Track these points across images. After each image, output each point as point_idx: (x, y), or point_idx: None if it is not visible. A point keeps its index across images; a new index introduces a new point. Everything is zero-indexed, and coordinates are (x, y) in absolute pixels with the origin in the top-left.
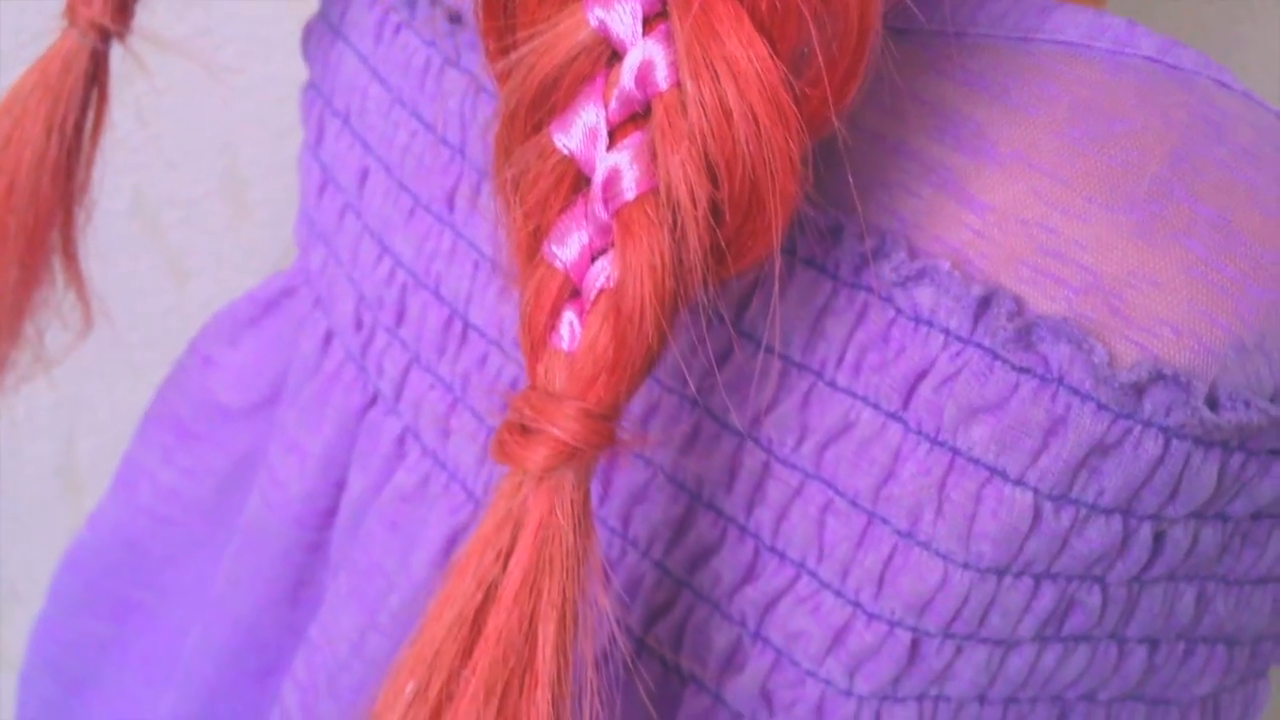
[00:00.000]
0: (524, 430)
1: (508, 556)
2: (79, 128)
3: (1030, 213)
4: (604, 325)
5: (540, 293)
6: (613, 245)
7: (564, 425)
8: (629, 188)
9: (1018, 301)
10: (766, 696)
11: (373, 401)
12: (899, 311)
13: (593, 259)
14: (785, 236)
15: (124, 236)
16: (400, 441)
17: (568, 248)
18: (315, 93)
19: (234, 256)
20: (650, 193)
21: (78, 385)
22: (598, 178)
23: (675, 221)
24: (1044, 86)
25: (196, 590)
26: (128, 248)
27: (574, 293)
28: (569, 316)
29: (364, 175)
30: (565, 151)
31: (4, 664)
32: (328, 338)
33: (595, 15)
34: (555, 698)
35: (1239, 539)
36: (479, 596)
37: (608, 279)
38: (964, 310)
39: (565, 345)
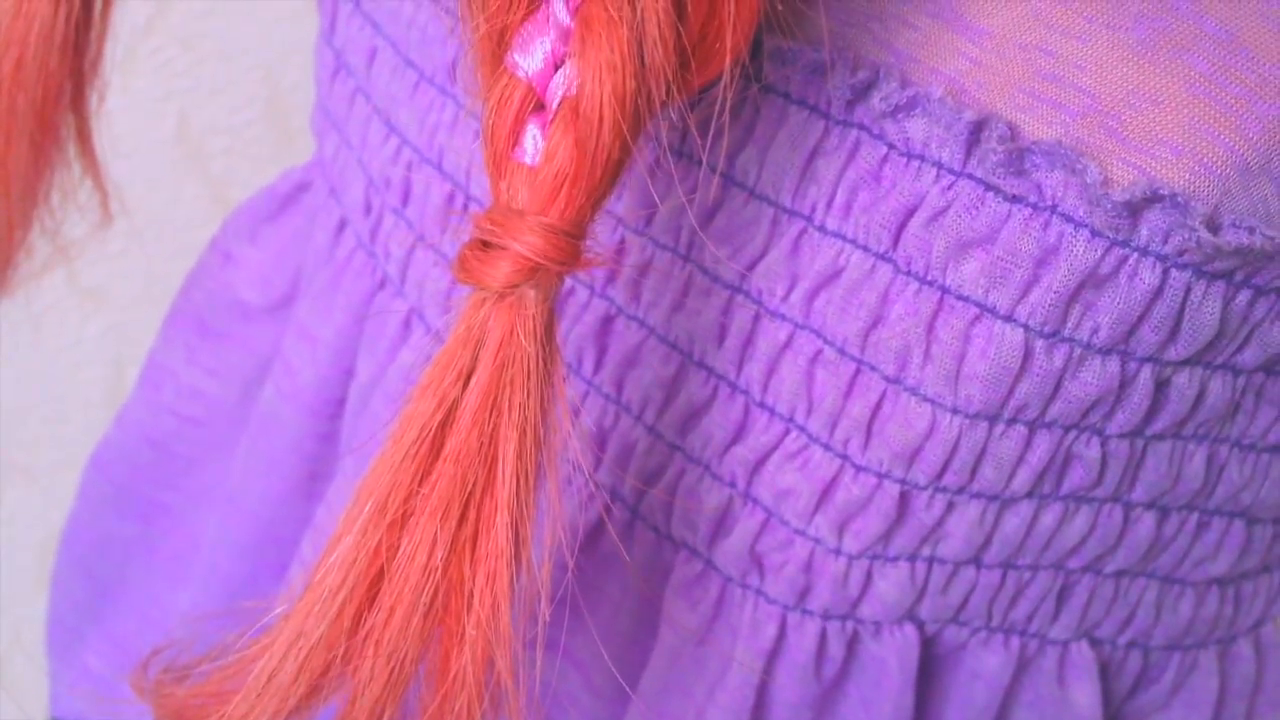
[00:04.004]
0: (486, 247)
1: (469, 376)
2: (88, 2)
3: (1029, 36)
4: (565, 134)
5: (503, 105)
6: (575, 50)
7: (526, 240)
8: None
9: (1012, 129)
10: (756, 559)
11: (381, 286)
12: (891, 147)
13: (556, 67)
14: (778, 76)
15: (168, 164)
16: (406, 324)
17: (531, 56)
18: None
19: None
20: None
21: (126, 313)
22: None
23: (636, 18)
24: None
25: (222, 492)
26: (172, 176)
27: (538, 105)
28: (532, 130)
29: (372, 55)
30: None
31: None
32: (341, 226)
33: None
34: (514, 520)
35: (1253, 396)
36: (439, 416)
37: (570, 86)
38: (956, 140)
39: (528, 160)
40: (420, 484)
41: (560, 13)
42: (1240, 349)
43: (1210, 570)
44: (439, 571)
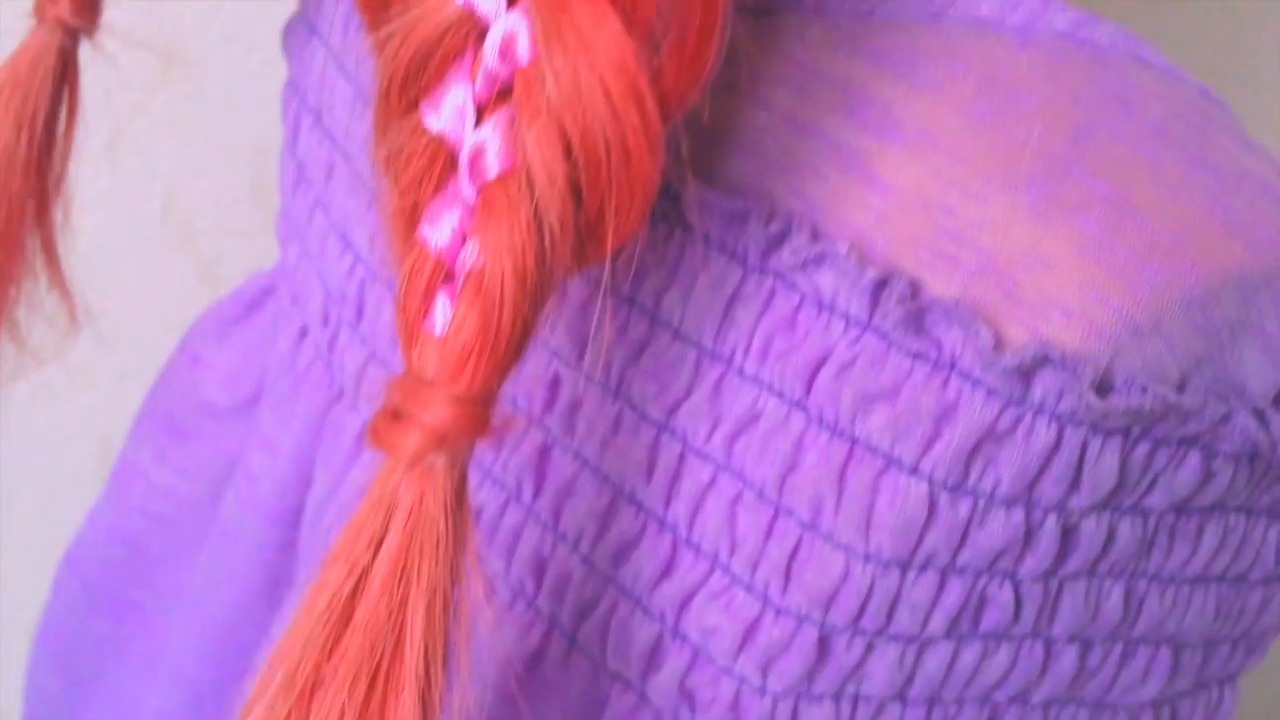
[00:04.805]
0: (396, 416)
1: (379, 544)
2: (50, 125)
3: (931, 193)
4: (470, 307)
5: (414, 276)
6: (479, 227)
7: (434, 411)
8: (491, 166)
9: (914, 285)
10: (687, 695)
11: (338, 398)
12: (804, 297)
13: (464, 241)
14: (699, 222)
15: (156, 243)
16: (359, 439)
17: (439, 230)
18: (292, 91)
19: (266, 264)
20: (511, 172)
21: (115, 388)
22: (464, 157)
23: (534, 201)
24: (951, 64)
25: (189, 594)
26: (160, 254)
27: (447, 276)
28: (442, 300)
29: (330, 170)
30: (436, 131)
31: None
32: (302, 334)
33: None
34: (423, 690)
35: (1166, 535)
36: (349, 584)
37: (475, 260)
38: (861, 294)
39: (438, 330)
40: (330, 654)
41: (466, 191)
42: (1146, 494)
43: (1141, 695)
44: None
